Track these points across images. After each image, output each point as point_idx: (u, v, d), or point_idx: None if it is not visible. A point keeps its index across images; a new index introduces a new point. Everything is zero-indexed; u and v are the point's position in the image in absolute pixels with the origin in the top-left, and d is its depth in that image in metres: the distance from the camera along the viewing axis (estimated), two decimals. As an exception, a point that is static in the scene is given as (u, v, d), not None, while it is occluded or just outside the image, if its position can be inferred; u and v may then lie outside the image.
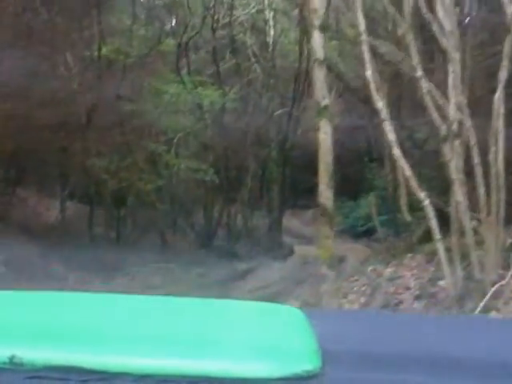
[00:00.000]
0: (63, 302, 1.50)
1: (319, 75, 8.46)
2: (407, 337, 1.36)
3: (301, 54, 16.86)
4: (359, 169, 31.20)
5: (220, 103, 16.03)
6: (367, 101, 9.13)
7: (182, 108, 15.83)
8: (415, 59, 7.97)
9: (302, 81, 17.57)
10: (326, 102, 8.38)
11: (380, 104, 8.05)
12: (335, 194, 8.09)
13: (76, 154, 14.41)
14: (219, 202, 18.16)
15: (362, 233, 24.95)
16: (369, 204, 25.73)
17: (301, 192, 28.55)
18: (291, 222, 22.39)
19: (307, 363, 1.09)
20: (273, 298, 11.33)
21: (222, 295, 12.05)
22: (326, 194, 8.53)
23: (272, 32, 18.69)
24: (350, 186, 31.87)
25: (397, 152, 8.11)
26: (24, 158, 14.64)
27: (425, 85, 7.80)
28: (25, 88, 11.23)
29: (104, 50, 14.34)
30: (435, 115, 7.76)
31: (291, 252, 18.95)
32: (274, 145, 20.35)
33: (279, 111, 19.02)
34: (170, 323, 1.33)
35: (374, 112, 8.81)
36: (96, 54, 14.50)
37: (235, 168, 19.00)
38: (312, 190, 32.76)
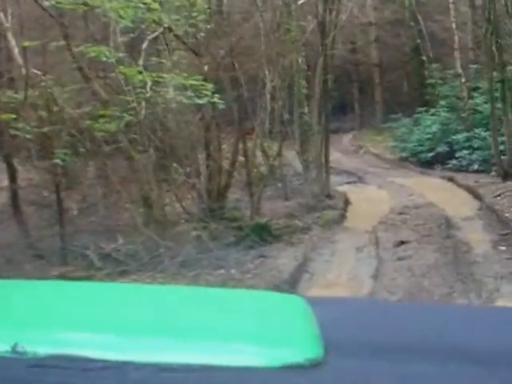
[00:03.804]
0: (66, 291, 1.46)
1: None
2: (411, 326, 1.28)
3: None
4: (412, 72, 24.04)
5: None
6: None
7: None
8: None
9: None
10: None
11: None
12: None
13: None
14: (227, 137, 11.68)
15: (429, 160, 18.05)
16: (435, 120, 18.52)
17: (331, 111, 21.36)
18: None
19: (309, 352, 1.06)
20: None
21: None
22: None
23: None
24: (399, 97, 24.45)
25: None
26: None
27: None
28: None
29: None
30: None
31: (347, 203, 12.58)
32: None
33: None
34: (171, 312, 1.30)
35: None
36: None
37: (246, 87, 12.37)
38: (344, 109, 24.87)
